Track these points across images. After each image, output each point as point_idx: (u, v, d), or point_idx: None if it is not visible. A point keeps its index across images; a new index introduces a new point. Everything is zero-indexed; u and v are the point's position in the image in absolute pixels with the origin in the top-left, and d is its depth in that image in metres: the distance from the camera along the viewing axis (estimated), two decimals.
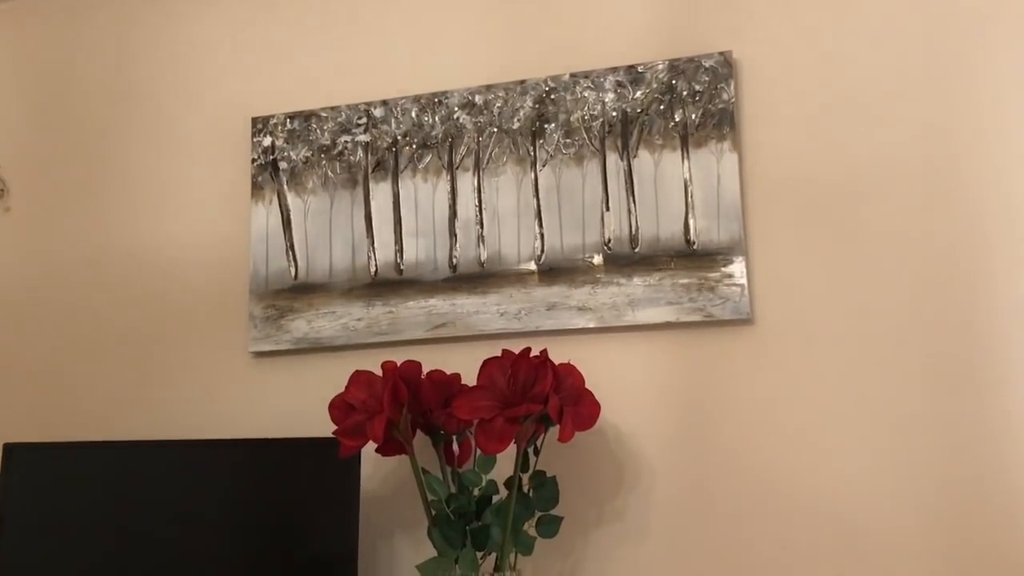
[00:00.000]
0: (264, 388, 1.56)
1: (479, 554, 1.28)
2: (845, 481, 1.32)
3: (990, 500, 1.27)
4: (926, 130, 1.37)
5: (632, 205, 1.45)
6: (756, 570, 1.32)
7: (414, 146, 1.55)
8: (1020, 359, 1.29)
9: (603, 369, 1.41)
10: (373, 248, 1.54)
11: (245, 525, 1.38)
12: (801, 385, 1.36)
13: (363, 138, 1.58)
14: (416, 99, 1.56)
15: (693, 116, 1.44)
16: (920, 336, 1.33)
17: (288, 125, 1.62)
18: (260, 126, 1.63)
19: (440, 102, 1.55)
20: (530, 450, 1.31)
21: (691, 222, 1.42)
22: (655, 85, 1.46)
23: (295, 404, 1.53)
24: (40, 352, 1.69)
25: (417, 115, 1.56)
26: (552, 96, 1.51)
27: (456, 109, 1.54)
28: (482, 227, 1.50)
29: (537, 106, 1.51)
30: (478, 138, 1.53)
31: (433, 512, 1.29)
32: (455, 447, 1.36)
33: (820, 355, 1.36)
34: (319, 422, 1.37)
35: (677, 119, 1.45)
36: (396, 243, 1.53)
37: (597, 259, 1.44)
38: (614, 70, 1.48)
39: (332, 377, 1.39)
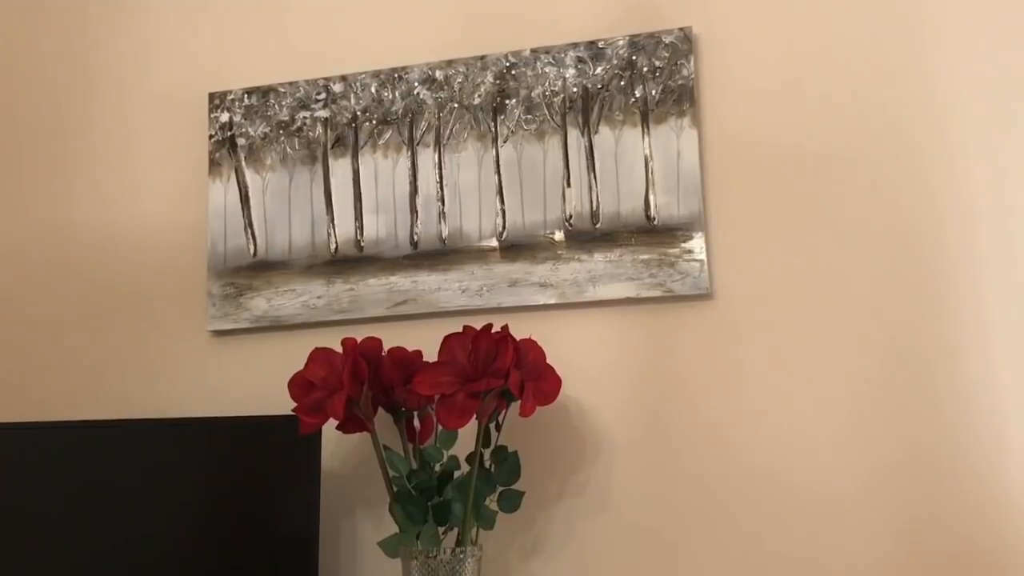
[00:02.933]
0: (223, 367, 1.55)
1: (441, 529, 1.28)
2: (804, 453, 1.34)
3: (946, 469, 1.29)
4: (887, 106, 1.39)
5: (593, 181, 1.45)
6: (718, 542, 1.34)
7: (374, 122, 1.54)
8: (976, 332, 1.31)
9: (565, 345, 1.41)
10: (333, 225, 1.53)
11: (205, 505, 1.37)
12: (760, 359, 1.37)
13: (322, 114, 1.56)
14: (376, 74, 1.55)
15: (653, 92, 1.44)
16: (877, 310, 1.35)
17: (246, 101, 1.59)
18: (217, 102, 1.61)
19: (400, 77, 1.54)
20: (491, 426, 1.31)
21: (651, 198, 1.42)
22: (615, 61, 1.46)
23: (255, 383, 1.52)
24: None
25: (377, 90, 1.55)
26: (513, 72, 1.50)
27: (416, 84, 1.53)
28: (443, 204, 1.50)
29: (498, 82, 1.50)
30: (439, 114, 1.52)
31: (395, 488, 1.29)
32: (416, 424, 1.36)
33: (779, 329, 1.37)
34: (279, 401, 1.36)
35: (637, 95, 1.45)
36: (356, 220, 1.52)
37: (558, 235, 1.45)
38: (575, 46, 1.48)
39: (292, 356, 1.38)
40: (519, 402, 1.25)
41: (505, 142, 1.49)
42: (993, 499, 1.27)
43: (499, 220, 1.47)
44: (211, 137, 1.60)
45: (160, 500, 1.36)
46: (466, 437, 1.33)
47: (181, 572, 1.34)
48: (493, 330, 1.28)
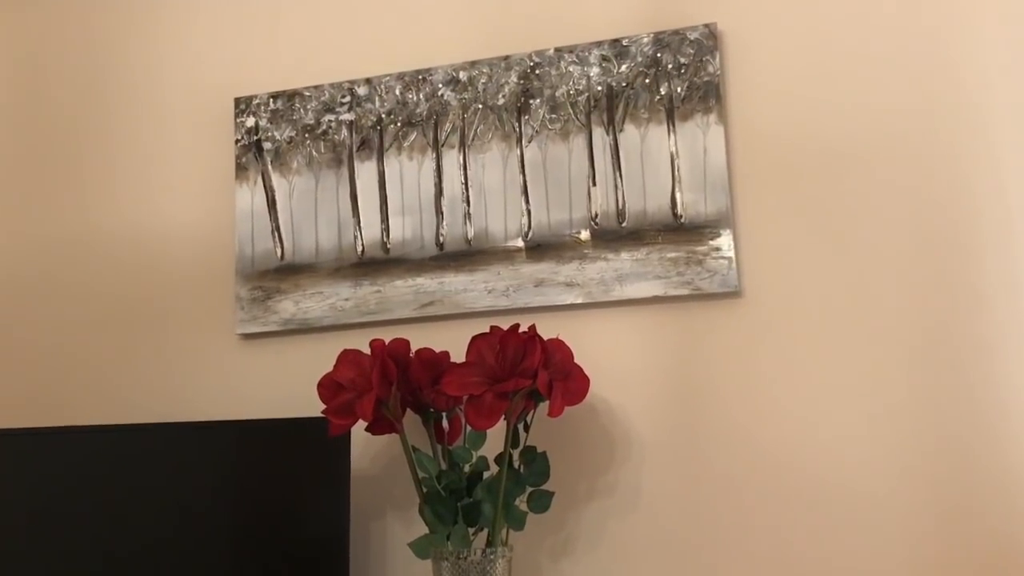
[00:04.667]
0: (252, 370, 1.56)
1: (471, 530, 1.28)
2: (834, 452, 1.32)
3: (978, 468, 1.28)
4: (914, 101, 1.37)
5: (619, 180, 1.44)
6: (747, 542, 1.33)
7: (399, 124, 1.54)
8: (1008, 330, 1.29)
9: (592, 344, 1.41)
10: (359, 227, 1.53)
11: (235, 507, 1.38)
12: (789, 357, 1.36)
13: (347, 117, 1.57)
14: (400, 76, 1.55)
15: (679, 89, 1.43)
16: (908, 307, 1.33)
17: (271, 105, 1.60)
18: (243, 106, 1.62)
19: (424, 79, 1.54)
20: (520, 426, 1.31)
21: (678, 196, 1.41)
22: (640, 59, 1.45)
23: (284, 386, 1.53)
24: (23, 336, 1.68)
25: (401, 93, 1.55)
26: (537, 71, 1.50)
27: (440, 86, 1.53)
28: (468, 204, 1.50)
29: (522, 81, 1.50)
30: (463, 115, 1.52)
31: (424, 489, 1.29)
32: (445, 424, 1.36)
33: (808, 327, 1.36)
34: (308, 404, 1.37)
35: (663, 92, 1.44)
36: (382, 222, 1.53)
37: (584, 234, 1.44)
38: (599, 44, 1.47)
39: (320, 358, 1.38)
40: (547, 402, 1.25)
41: (530, 142, 1.48)
42: None
43: (524, 220, 1.47)
44: (237, 142, 1.61)
45: (190, 503, 1.37)
46: (495, 438, 1.33)
47: (211, 572, 1.35)
48: (520, 330, 1.27)
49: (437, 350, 1.35)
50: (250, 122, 1.61)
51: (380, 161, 1.54)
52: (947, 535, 1.27)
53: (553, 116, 1.48)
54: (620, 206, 1.43)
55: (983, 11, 1.36)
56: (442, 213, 1.50)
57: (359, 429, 1.34)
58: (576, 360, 1.30)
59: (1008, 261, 1.30)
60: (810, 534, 1.31)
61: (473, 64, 1.52)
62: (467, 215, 1.49)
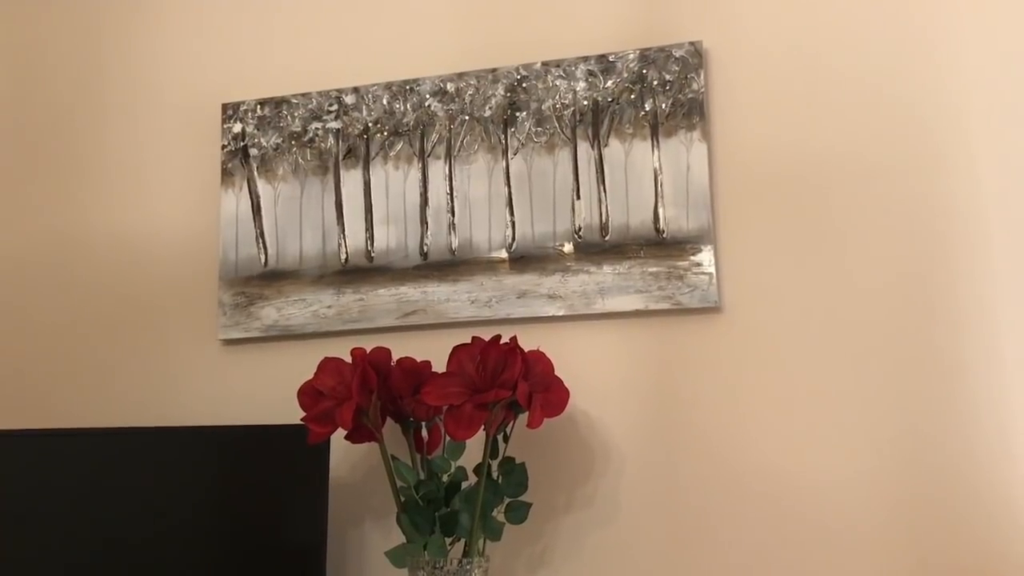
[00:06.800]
0: (233, 376, 1.55)
1: (448, 540, 1.28)
2: (812, 466, 1.34)
3: (955, 482, 1.29)
4: (896, 120, 1.39)
5: (603, 194, 1.45)
6: (725, 555, 1.34)
7: (385, 133, 1.55)
8: (986, 345, 1.31)
9: (573, 357, 1.41)
10: (344, 235, 1.54)
11: (213, 513, 1.37)
12: (768, 372, 1.37)
13: (334, 125, 1.57)
14: (387, 86, 1.56)
15: (663, 105, 1.45)
16: (886, 323, 1.35)
17: (258, 111, 1.61)
18: (230, 112, 1.62)
19: (411, 89, 1.55)
20: (499, 437, 1.31)
21: (660, 211, 1.43)
22: (626, 74, 1.47)
23: (265, 392, 1.53)
24: (2, 339, 1.67)
25: (388, 102, 1.56)
26: (524, 84, 1.51)
27: (427, 96, 1.54)
28: (453, 215, 1.50)
29: (509, 94, 1.51)
30: (449, 126, 1.53)
31: (402, 498, 1.30)
32: (424, 434, 1.36)
33: (787, 343, 1.37)
34: (289, 410, 1.36)
35: (647, 108, 1.45)
36: (367, 230, 1.53)
37: (568, 247, 1.45)
38: (585, 59, 1.49)
39: (302, 365, 1.38)
40: (527, 414, 1.26)
41: (515, 154, 1.49)
42: (1005, 513, 1.27)
43: (508, 231, 1.48)
44: (224, 147, 1.61)
45: (168, 508, 1.37)
46: (474, 448, 1.33)
47: None
48: (501, 341, 1.28)
49: (419, 359, 1.35)
50: (237, 128, 1.61)
51: (366, 170, 1.55)
52: (924, 548, 1.28)
53: (539, 129, 1.49)
54: (603, 220, 1.45)
55: (965, 28, 1.38)
56: (427, 223, 1.51)
57: (338, 437, 1.34)
58: (557, 372, 1.30)
59: (988, 275, 1.32)
60: (788, 547, 1.32)
61: (460, 75, 1.53)
62: (452, 225, 1.50)
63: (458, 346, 1.30)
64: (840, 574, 1.30)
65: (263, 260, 1.56)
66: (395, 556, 1.28)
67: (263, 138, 1.60)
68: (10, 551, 1.36)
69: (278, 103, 1.60)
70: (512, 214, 1.48)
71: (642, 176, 1.44)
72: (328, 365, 1.31)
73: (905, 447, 1.31)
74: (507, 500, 1.31)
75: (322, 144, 1.57)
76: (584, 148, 1.47)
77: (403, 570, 1.30)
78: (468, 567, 1.25)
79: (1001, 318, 1.31)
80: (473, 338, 1.30)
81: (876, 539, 1.30)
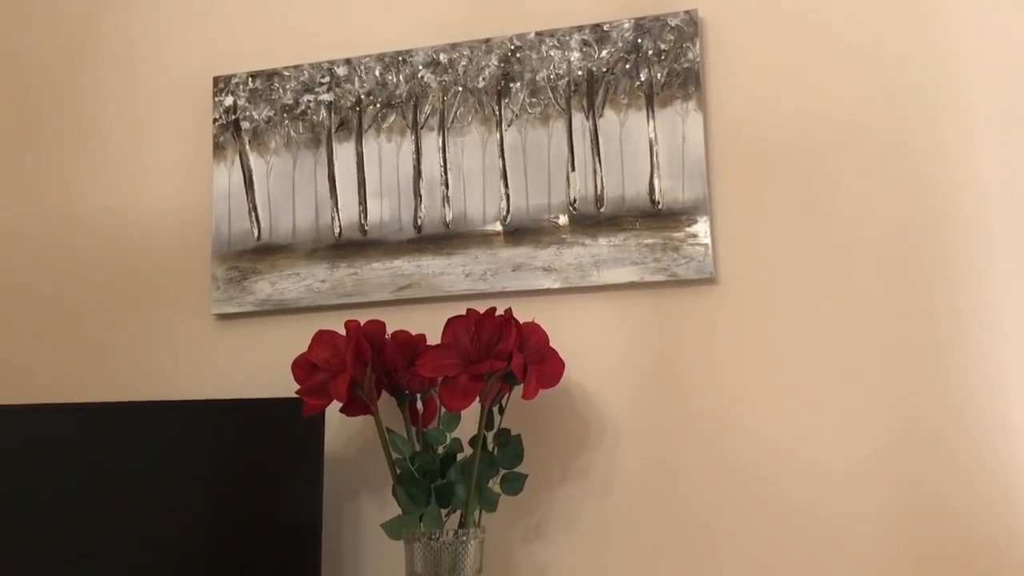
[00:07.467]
0: (227, 351, 1.55)
1: (443, 511, 1.28)
2: (807, 438, 1.34)
3: (949, 455, 1.29)
4: (894, 90, 1.38)
5: (598, 165, 1.44)
6: (719, 527, 1.34)
7: (378, 105, 1.54)
8: (981, 316, 1.31)
9: (568, 329, 1.41)
10: (337, 209, 1.53)
11: (207, 486, 1.37)
12: (764, 343, 1.37)
13: (326, 97, 1.56)
14: (380, 57, 1.54)
15: (658, 75, 1.44)
16: (883, 294, 1.34)
17: (250, 84, 1.59)
18: (222, 85, 1.60)
19: (404, 60, 1.53)
20: (495, 409, 1.31)
21: (656, 182, 1.42)
22: (621, 44, 1.45)
23: (259, 367, 1.52)
24: None
25: (381, 74, 1.54)
26: (518, 55, 1.49)
27: (420, 68, 1.53)
28: (447, 188, 1.49)
29: (502, 65, 1.49)
30: (443, 97, 1.51)
31: (398, 470, 1.29)
32: (419, 406, 1.35)
33: (783, 314, 1.37)
34: (283, 385, 1.36)
35: (642, 78, 1.44)
36: (360, 204, 1.52)
37: (563, 219, 1.44)
38: (580, 28, 1.47)
39: (296, 340, 1.38)
40: (522, 385, 1.25)
41: (509, 126, 1.48)
42: (997, 484, 1.27)
43: (503, 204, 1.47)
44: (215, 121, 1.60)
45: (162, 481, 1.36)
46: (469, 421, 1.33)
47: (184, 552, 1.35)
48: (496, 314, 1.27)
49: (413, 333, 1.34)
50: (228, 101, 1.60)
51: (359, 142, 1.54)
52: (918, 520, 1.29)
53: (533, 100, 1.48)
54: (599, 192, 1.44)
55: (965, 1, 1.37)
56: (420, 196, 1.50)
57: (333, 411, 1.33)
58: (552, 344, 1.30)
59: (984, 248, 1.32)
60: (782, 518, 1.32)
61: (454, 47, 1.52)
62: (446, 198, 1.49)
63: (453, 318, 1.29)
64: (834, 549, 1.30)
65: (256, 234, 1.55)
66: (391, 528, 1.28)
67: (255, 111, 1.58)
68: (1, 525, 1.35)
69: (270, 76, 1.59)
70: (507, 186, 1.47)
71: (637, 147, 1.43)
72: (322, 337, 1.31)
73: (902, 417, 1.31)
74: (503, 471, 1.31)
75: (314, 117, 1.56)
76: (579, 119, 1.46)
77: (399, 542, 1.30)
78: (464, 538, 1.25)
79: (998, 287, 1.30)
80: (468, 310, 1.30)
81: (872, 511, 1.30)
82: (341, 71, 1.56)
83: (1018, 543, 1.25)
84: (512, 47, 1.49)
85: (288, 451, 1.36)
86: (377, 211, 1.51)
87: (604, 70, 1.46)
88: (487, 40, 1.51)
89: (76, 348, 1.61)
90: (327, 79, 1.56)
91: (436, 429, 1.32)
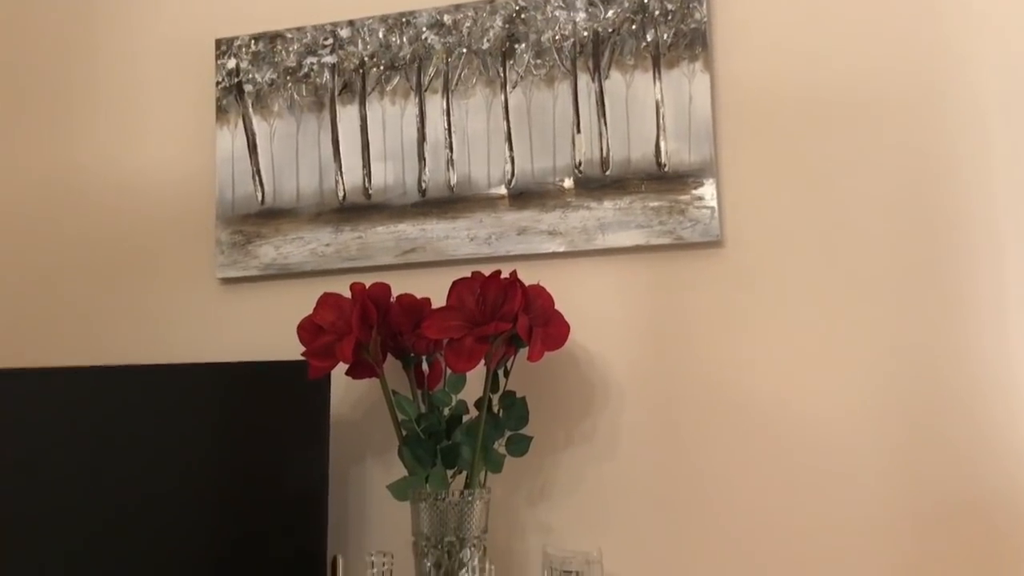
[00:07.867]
0: (232, 315, 1.55)
1: (449, 472, 1.29)
2: (813, 401, 1.34)
3: (955, 418, 1.29)
4: (904, 51, 1.36)
5: (603, 127, 1.43)
6: (724, 489, 1.35)
7: (381, 68, 1.52)
8: (991, 281, 1.30)
9: (574, 292, 1.41)
10: (341, 172, 1.52)
11: (214, 449, 1.38)
12: (770, 307, 1.36)
13: (329, 60, 1.55)
14: (383, 19, 1.53)
15: (665, 36, 1.42)
16: (890, 257, 1.34)
17: (253, 47, 1.58)
18: (224, 48, 1.59)
19: (408, 22, 1.52)
20: (500, 371, 1.31)
21: (662, 144, 1.41)
22: (627, 4, 1.44)
23: (263, 331, 1.52)
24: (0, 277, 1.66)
25: (384, 36, 1.53)
26: (522, 15, 1.48)
27: (424, 29, 1.51)
28: (451, 151, 1.48)
29: (507, 26, 1.48)
30: (447, 59, 1.50)
31: (404, 432, 1.30)
32: (425, 368, 1.36)
33: (789, 277, 1.36)
34: (288, 349, 1.36)
35: (649, 39, 1.43)
36: (364, 167, 1.51)
37: (568, 182, 1.43)
38: None
39: (301, 304, 1.37)
40: (527, 348, 1.25)
41: (514, 88, 1.47)
42: (1005, 448, 1.27)
43: (508, 167, 1.46)
44: (218, 84, 1.59)
45: (169, 445, 1.37)
46: (474, 384, 1.33)
47: (191, 513, 1.36)
48: (501, 276, 1.27)
49: (418, 296, 1.34)
50: (231, 64, 1.58)
51: (362, 105, 1.53)
52: (921, 483, 1.29)
53: (538, 62, 1.46)
54: (604, 154, 1.43)
55: None
56: (424, 159, 1.49)
57: (339, 375, 1.34)
58: (557, 307, 1.30)
59: (992, 211, 1.31)
60: (787, 481, 1.33)
61: (458, 7, 1.50)
62: (450, 161, 1.48)
63: (458, 280, 1.29)
64: (841, 507, 1.31)
65: (260, 198, 1.54)
66: (397, 489, 1.29)
67: (258, 74, 1.57)
68: (5, 489, 1.36)
69: (272, 38, 1.57)
70: (511, 149, 1.46)
71: (643, 109, 1.42)
72: (328, 300, 1.31)
73: (906, 378, 1.31)
74: (508, 433, 1.31)
75: (317, 79, 1.55)
76: (584, 80, 1.44)
77: (405, 503, 1.31)
78: (470, 499, 1.25)
79: (1009, 252, 1.30)
80: (473, 272, 1.29)
81: (877, 473, 1.30)
82: (344, 33, 1.54)
83: (1021, 493, 1.25)
84: (517, 8, 1.48)
85: (294, 414, 1.36)
86: (381, 175, 1.50)
87: (610, 31, 1.44)
88: (491, 1, 1.49)
89: (79, 313, 1.61)
90: (330, 41, 1.55)
91: (442, 391, 1.32)
